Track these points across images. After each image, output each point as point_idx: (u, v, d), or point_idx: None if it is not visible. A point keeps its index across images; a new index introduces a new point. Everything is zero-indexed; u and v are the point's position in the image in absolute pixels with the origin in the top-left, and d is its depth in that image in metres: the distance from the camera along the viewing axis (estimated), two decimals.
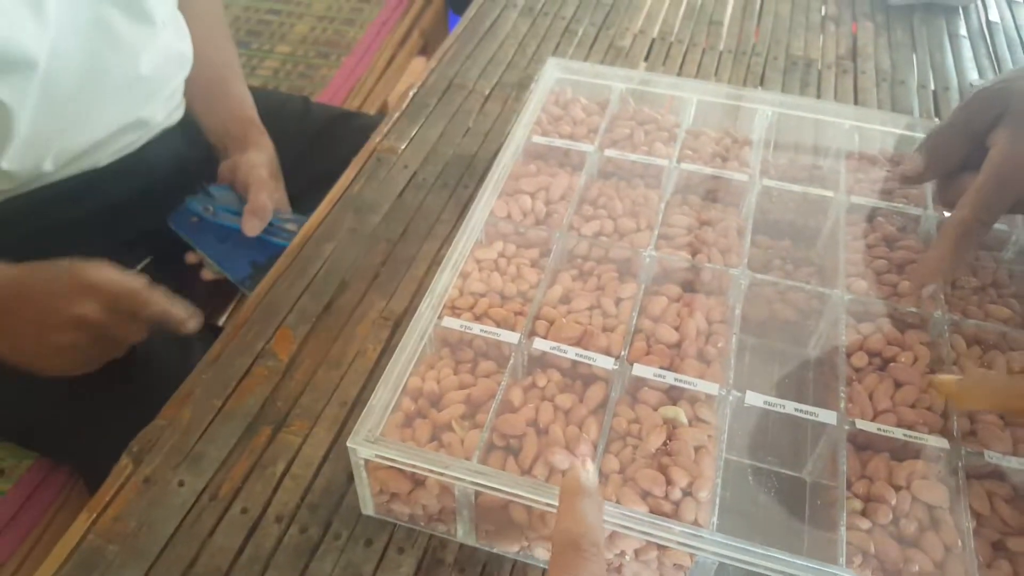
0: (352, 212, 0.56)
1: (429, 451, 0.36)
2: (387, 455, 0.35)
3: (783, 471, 0.41)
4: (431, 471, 0.35)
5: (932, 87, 0.70)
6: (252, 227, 0.61)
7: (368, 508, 0.39)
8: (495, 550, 0.38)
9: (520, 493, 0.34)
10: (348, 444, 0.35)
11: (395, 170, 0.59)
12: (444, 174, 0.58)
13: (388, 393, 0.38)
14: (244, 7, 1.12)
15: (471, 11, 0.75)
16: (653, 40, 0.74)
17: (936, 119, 0.67)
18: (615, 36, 0.74)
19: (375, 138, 0.61)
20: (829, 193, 0.50)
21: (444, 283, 0.43)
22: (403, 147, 0.61)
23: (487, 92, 0.66)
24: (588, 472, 0.30)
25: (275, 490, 0.41)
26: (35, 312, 0.48)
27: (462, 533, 0.38)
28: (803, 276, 0.47)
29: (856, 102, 0.67)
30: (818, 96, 0.67)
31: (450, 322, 0.42)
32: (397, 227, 0.54)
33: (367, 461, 0.36)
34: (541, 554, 0.38)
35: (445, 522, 0.38)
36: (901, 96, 0.68)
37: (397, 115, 0.63)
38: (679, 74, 0.70)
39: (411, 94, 0.65)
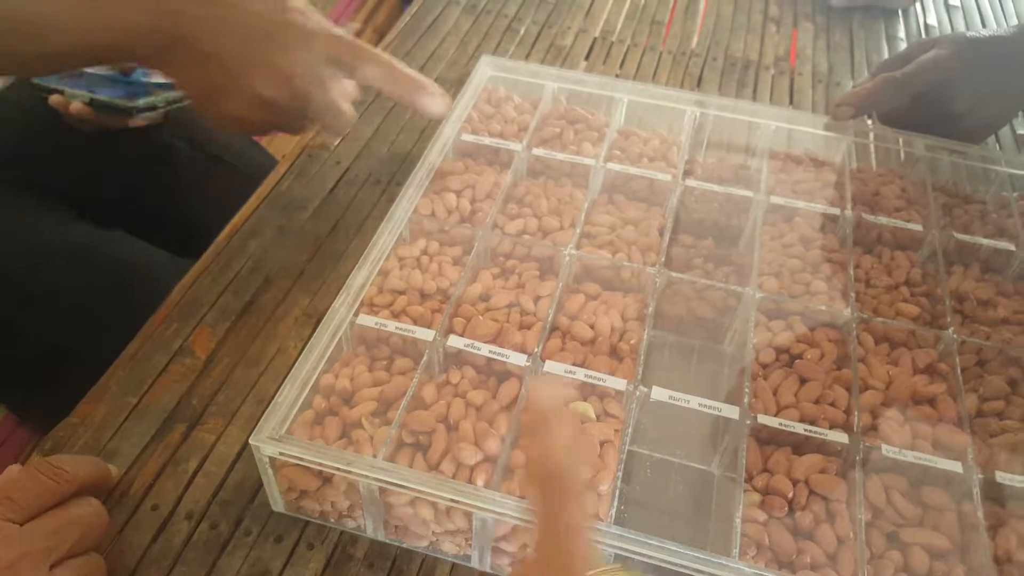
0: (280, 209, 0.55)
1: (333, 448, 0.36)
2: (290, 452, 0.35)
3: (693, 465, 0.42)
4: (335, 468, 0.35)
5: None
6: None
7: (278, 505, 0.39)
8: (404, 545, 0.39)
9: (421, 489, 0.34)
10: (251, 441, 0.35)
11: (327, 167, 0.58)
12: (377, 171, 0.58)
13: (296, 391, 0.38)
14: None
15: (413, 7, 0.75)
16: (595, 39, 0.74)
17: (868, 120, 0.68)
18: (556, 35, 0.74)
19: (308, 134, 0.61)
20: (749, 193, 0.51)
21: (361, 280, 0.43)
22: (336, 143, 0.60)
23: None
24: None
25: (187, 487, 0.40)
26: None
27: (371, 529, 0.38)
28: (722, 275, 0.48)
29: (792, 103, 0.68)
30: (754, 97, 0.68)
31: (365, 319, 0.42)
32: (326, 224, 0.54)
33: (273, 459, 0.36)
34: (449, 548, 0.38)
35: (355, 518, 0.39)
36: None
37: None
38: (619, 74, 0.70)
39: None
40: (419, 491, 0.34)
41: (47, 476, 0.35)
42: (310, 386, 0.39)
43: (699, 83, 0.69)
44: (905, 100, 0.56)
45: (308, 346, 0.39)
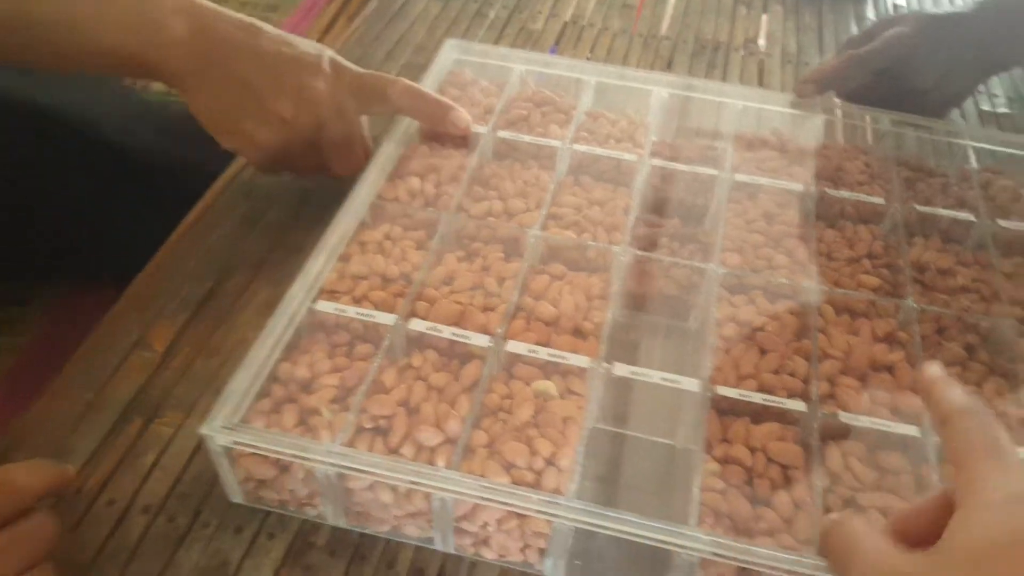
0: (242, 197, 0.54)
1: (288, 435, 0.36)
2: (244, 441, 0.35)
3: (659, 440, 0.42)
4: (291, 456, 0.34)
5: None
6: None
7: (237, 496, 0.39)
8: (367, 530, 0.38)
9: (378, 472, 0.34)
10: (202, 431, 0.35)
11: None
12: None
13: (250, 379, 0.37)
14: None
15: None
16: (565, 24, 0.74)
17: (836, 99, 0.68)
18: (527, 19, 0.74)
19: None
20: (715, 172, 0.50)
21: (319, 266, 0.42)
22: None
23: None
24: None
25: (144, 481, 0.40)
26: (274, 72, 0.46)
27: (331, 516, 0.38)
28: (687, 253, 0.48)
29: (760, 84, 0.68)
30: (723, 79, 0.68)
31: (324, 305, 0.41)
32: (288, 212, 0.54)
33: (228, 449, 0.36)
34: (411, 531, 0.38)
35: (315, 506, 0.38)
36: None
37: None
38: (589, 57, 0.70)
39: None
40: (376, 474, 0.34)
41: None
42: (267, 375, 0.38)
43: (669, 66, 0.69)
44: (869, 77, 0.56)
45: (264, 333, 0.39)
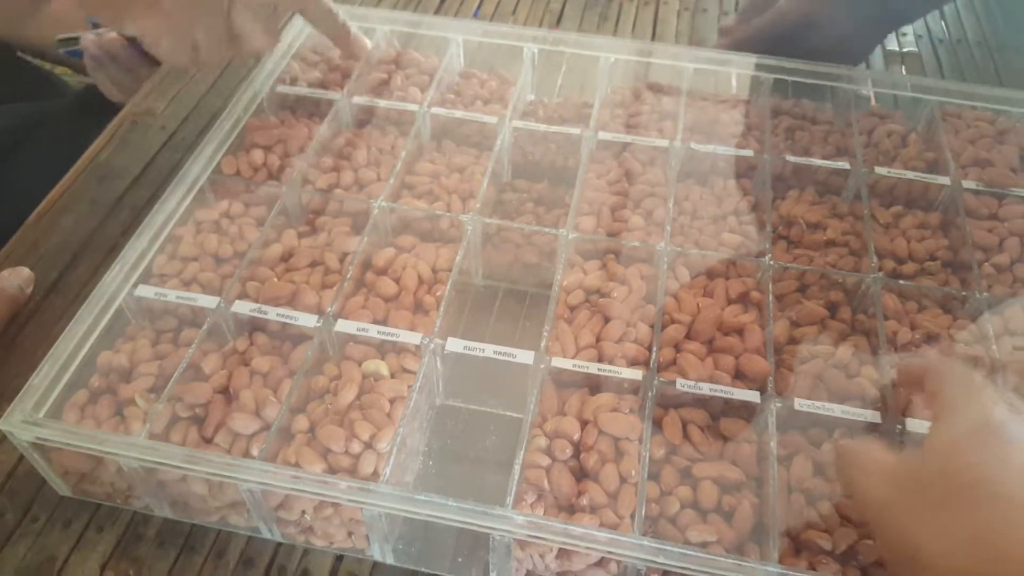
0: (96, 181, 0.52)
1: (96, 431, 0.34)
2: (44, 436, 0.33)
3: (508, 414, 0.41)
4: (90, 449, 0.33)
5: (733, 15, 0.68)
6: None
7: (64, 490, 0.38)
8: (197, 521, 0.37)
9: (179, 465, 0.32)
10: (1, 427, 0.33)
11: (151, 133, 0.55)
12: (206, 133, 0.55)
13: (57, 370, 0.35)
14: None
15: None
16: None
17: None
18: None
19: (134, 100, 0.57)
20: (576, 131, 0.48)
21: (140, 249, 0.40)
22: (163, 107, 0.57)
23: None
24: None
25: None
26: None
27: (158, 507, 0.37)
28: (553, 217, 0.46)
29: (655, 33, 0.65)
30: (615, 30, 0.65)
31: (144, 290, 0.39)
32: (145, 194, 0.51)
33: (38, 443, 0.34)
34: (238, 521, 0.36)
35: (140, 498, 0.37)
36: (701, 25, 0.66)
37: (164, 73, 0.59)
38: (477, 15, 0.67)
39: None
40: (181, 468, 0.32)
41: None
42: (78, 364, 0.36)
43: (559, 20, 0.66)
44: (769, 46, 0.53)
45: (73, 322, 0.37)
